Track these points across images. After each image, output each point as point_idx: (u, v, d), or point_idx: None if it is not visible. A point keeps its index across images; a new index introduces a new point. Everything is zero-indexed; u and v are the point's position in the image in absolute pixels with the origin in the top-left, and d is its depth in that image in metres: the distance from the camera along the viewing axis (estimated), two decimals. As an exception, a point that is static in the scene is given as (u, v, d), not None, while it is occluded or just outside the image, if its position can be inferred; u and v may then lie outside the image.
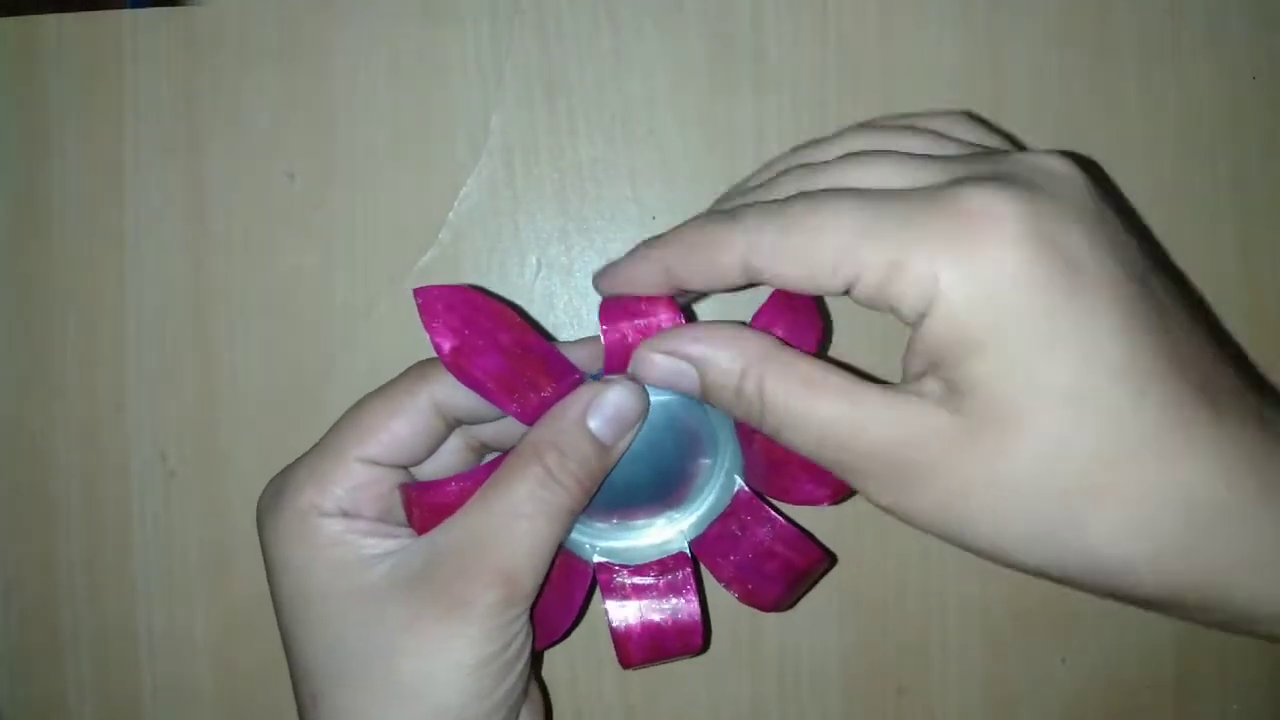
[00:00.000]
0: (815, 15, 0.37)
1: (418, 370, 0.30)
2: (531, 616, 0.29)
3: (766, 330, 0.28)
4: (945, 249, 0.23)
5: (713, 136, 0.37)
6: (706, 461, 0.31)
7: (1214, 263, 0.37)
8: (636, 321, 0.28)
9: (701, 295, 0.32)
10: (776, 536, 0.31)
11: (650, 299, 0.28)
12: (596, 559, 0.31)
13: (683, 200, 0.37)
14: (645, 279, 0.27)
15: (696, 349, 0.27)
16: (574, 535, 0.31)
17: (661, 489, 0.31)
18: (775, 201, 0.25)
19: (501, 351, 0.28)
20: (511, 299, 0.37)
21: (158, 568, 0.37)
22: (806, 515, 0.36)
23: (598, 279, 0.29)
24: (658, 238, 0.27)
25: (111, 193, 0.37)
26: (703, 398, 0.27)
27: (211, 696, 0.38)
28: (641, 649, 0.31)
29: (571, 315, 0.37)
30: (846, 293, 0.25)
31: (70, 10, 0.37)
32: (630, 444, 0.29)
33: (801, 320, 0.28)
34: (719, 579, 0.31)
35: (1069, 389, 0.22)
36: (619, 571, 0.31)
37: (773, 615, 0.37)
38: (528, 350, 0.28)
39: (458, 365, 0.27)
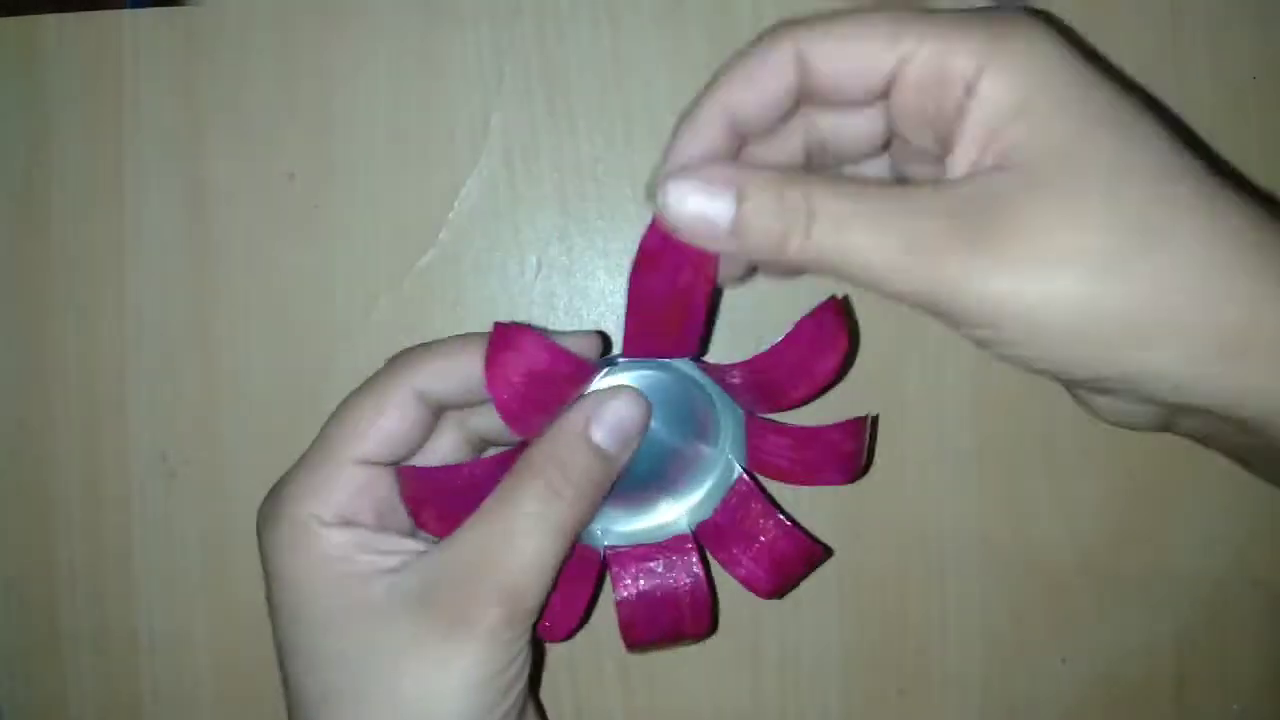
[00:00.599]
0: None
1: (398, 361, 0.29)
2: (534, 633, 0.29)
3: (788, 351, 0.28)
4: (994, 32, 0.23)
5: (713, 136, 0.37)
6: (706, 448, 0.32)
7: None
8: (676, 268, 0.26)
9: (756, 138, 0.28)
10: (774, 528, 0.32)
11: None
12: (607, 544, 0.32)
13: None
14: (706, 131, 0.26)
15: (731, 171, 0.24)
16: None
17: (664, 476, 0.31)
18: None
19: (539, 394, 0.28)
20: (511, 299, 0.37)
21: (158, 568, 0.37)
22: (807, 515, 0.36)
23: (661, 186, 0.25)
24: (697, 101, 0.26)
25: (111, 193, 0.37)
26: (734, 238, 0.24)
27: (211, 696, 0.38)
28: (647, 628, 0.32)
29: (572, 315, 0.37)
30: (884, 96, 0.25)
31: (70, 10, 0.37)
32: (633, 452, 0.29)
33: (823, 340, 0.28)
34: (722, 565, 0.32)
35: (1123, 158, 0.23)
36: (626, 554, 0.32)
37: (773, 615, 0.37)
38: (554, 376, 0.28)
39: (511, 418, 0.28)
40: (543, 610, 0.28)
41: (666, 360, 0.30)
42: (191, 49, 0.37)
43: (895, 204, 0.23)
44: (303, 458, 0.29)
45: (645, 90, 0.37)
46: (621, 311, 0.37)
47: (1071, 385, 0.28)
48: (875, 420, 0.31)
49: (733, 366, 0.29)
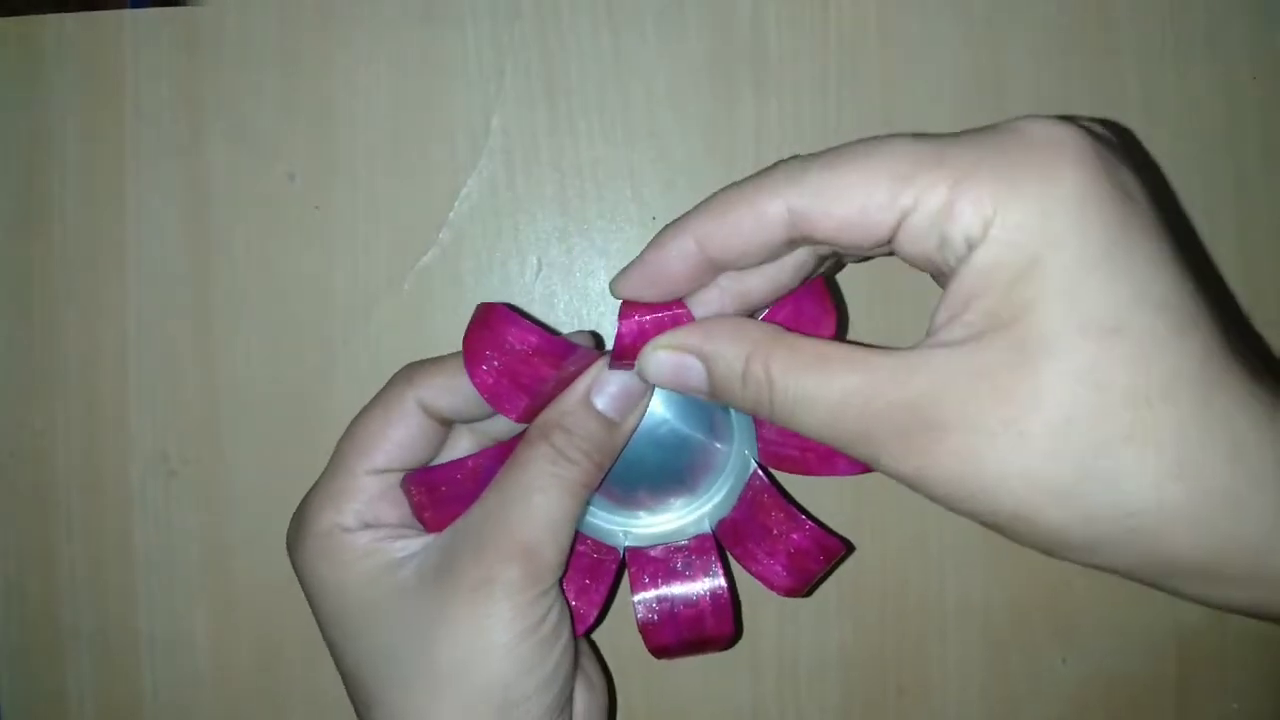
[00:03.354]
0: (815, 16, 0.37)
1: (403, 375, 0.30)
2: (563, 595, 0.29)
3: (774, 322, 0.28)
4: (1010, 172, 0.22)
5: (713, 137, 0.37)
6: (721, 446, 0.32)
7: (1214, 263, 0.38)
8: (651, 316, 0.27)
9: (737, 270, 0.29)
10: (792, 524, 0.31)
11: (666, 304, 0.27)
12: (626, 544, 0.32)
13: (683, 201, 0.37)
14: (674, 263, 0.26)
15: (699, 340, 0.26)
16: (601, 523, 0.31)
17: (680, 474, 0.31)
18: (811, 155, 0.24)
19: (522, 375, 0.28)
20: (512, 299, 0.37)
21: (158, 568, 0.37)
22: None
23: (616, 283, 0.27)
24: (677, 219, 0.26)
25: (111, 193, 0.37)
26: (711, 395, 0.27)
27: (211, 696, 0.38)
28: (669, 629, 0.31)
29: (572, 315, 0.37)
30: (889, 244, 0.24)
31: (70, 10, 0.37)
32: (640, 420, 0.30)
33: (810, 311, 0.28)
34: (741, 563, 0.32)
35: (1110, 321, 0.21)
36: (646, 556, 0.32)
37: (772, 615, 0.37)
38: (544, 355, 0.28)
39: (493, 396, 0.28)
40: (565, 574, 0.29)
41: None
42: (192, 49, 0.37)
43: (852, 393, 0.23)
44: (320, 476, 0.30)
45: (645, 90, 0.37)
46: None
47: None
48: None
49: None
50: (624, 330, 0.27)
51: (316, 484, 0.30)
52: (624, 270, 0.27)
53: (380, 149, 0.37)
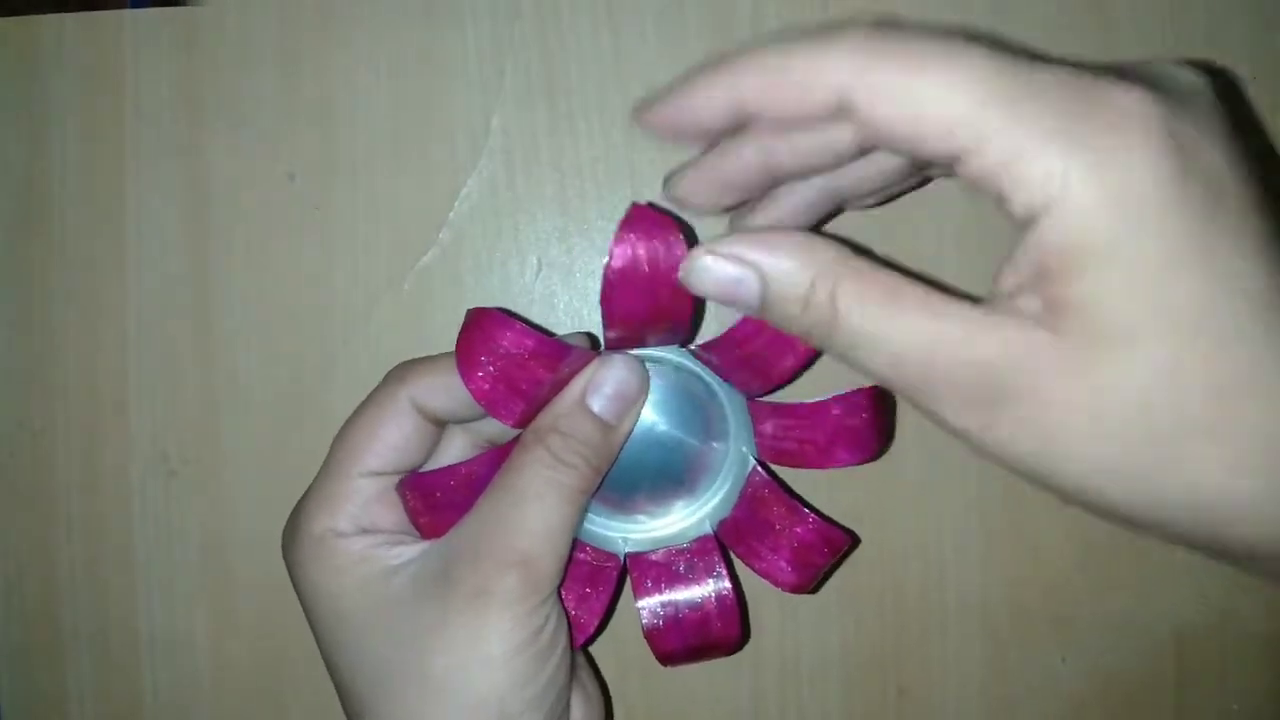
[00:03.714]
0: (815, 16, 0.37)
1: (394, 375, 0.30)
2: (561, 604, 0.29)
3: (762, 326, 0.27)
4: (1083, 142, 0.20)
5: (713, 136, 0.37)
6: (719, 445, 0.31)
7: None
8: (652, 243, 0.25)
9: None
10: (795, 518, 0.31)
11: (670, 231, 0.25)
12: (627, 550, 0.31)
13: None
14: (707, 103, 0.23)
15: (761, 253, 0.23)
16: (599, 530, 0.31)
17: (678, 476, 0.31)
18: (889, 26, 0.22)
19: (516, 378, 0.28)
20: (512, 299, 0.37)
21: (158, 568, 0.37)
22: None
23: (640, 110, 0.24)
24: (723, 61, 0.23)
25: (111, 193, 0.37)
26: (760, 311, 0.24)
27: (211, 696, 0.38)
28: (674, 634, 0.31)
29: (572, 315, 0.37)
30: (938, 166, 0.22)
31: (70, 10, 0.37)
32: (636, 421, 0.29)
33: None
34: (745, 561, 0.31)
35: (1195, 311, 0.20)
36: (648, 561, 0.31)
37: (773, 614, 0.37)
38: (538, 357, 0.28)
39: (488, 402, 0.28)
40: (563, 583, 0.28)
41: (658, 352, 0.30)
42: (192, 49, 0.37)
43: (921, 337, 0.22)
44: (314, 480, 0.30)
45: (645, 90, 0.37)
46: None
47: None
48: (884, 392, 0.30)
49: (711, 345, 0.29)
50: (617, 253, 0.25)
51: (310, 488, 0.30)
52: (654, 101, 0.24)
53: (380, 149, 0.37)
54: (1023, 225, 0.21)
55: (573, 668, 0.30)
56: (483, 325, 0.27)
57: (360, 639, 0.28)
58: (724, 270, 0.24)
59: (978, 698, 0.38)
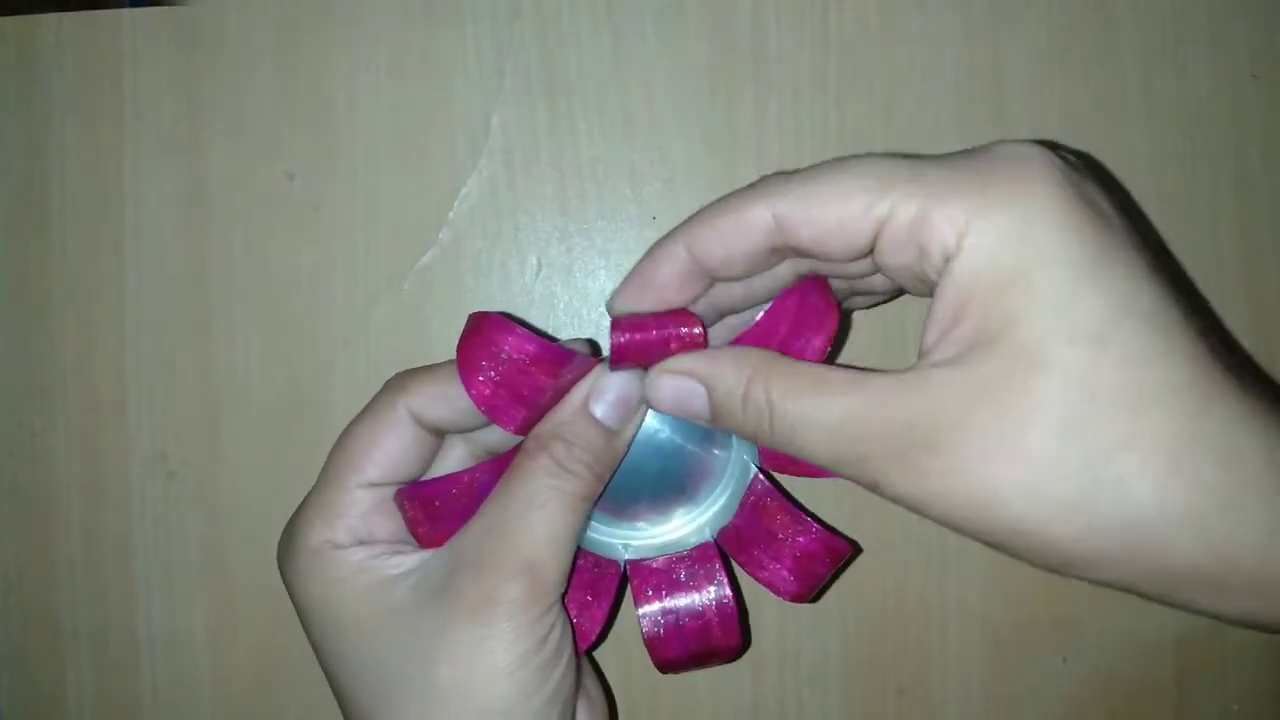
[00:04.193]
0: (815, 16, 0.37)
1: (393, 384, 0.30)
2: (565, 612, 0.28)
3: (775, 328, 0.28)
4: (983, 187, 0.22)
5: (713, 136, 0.37)
6: (720, 452, 0.31)
7: (1214, 263, 0.37)
8: (651, 333, 0.27)
9: (726, 280, 0.29)
10: (797, 527, 0.31)
11: (665, 314, 0.28)
12: (627, 557, 0.31)
13: (683, 200, 0.37)
14: (666, 272, 0.27)
15: (701, 365, 0.27)
16: (600, 537, 0.31)
17: (679, 483, 0.31)
18: (794, 170, 0.25)
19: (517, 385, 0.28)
20: (512, 299, 0.37)
21: (158, 568, 0.37)
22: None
23: (614, 299, 0.28)
24: (668, 233, 0.27)
25: (111, 193, 0.37)
26: (713, 419, 0.27)
27: (211, 696, 0.38)
28: (674, 641, 0.31)
29: (572, 315, 0.37)
30: (869, 257, 0.24)
31: (70, 10, 0.37)
32: (638, 428, 0.29)
33: (815, 303, 0.28)
34: (746, 569, 0.31)
35: (1099, 331, 0.21)
36: (648, 569, 0.31)
37: (773, 614, 0.37)
38: (538, 363, 0.28)
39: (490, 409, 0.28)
40: (566, 591, 0.28)
41: None
42: (191, 49, 0.37)
43: (850, 415, 0.24)
44: (310, 490, 0.30)
45: (645, 90, 0.37)
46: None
47: None
48: None
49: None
50: (617, 334, 0.27)
51: (307, 498, 0.30)
52: (618, 288, 0.28)
53: (380, 149, 0.37)
54: (941, 273, 0.23)
55: (578, 675, 0.29)
56: (484, 330, 0.27)
57: (361, 650, 0.28)
58: (677, 384, 0.27)
59: (978, 698, 0.38)
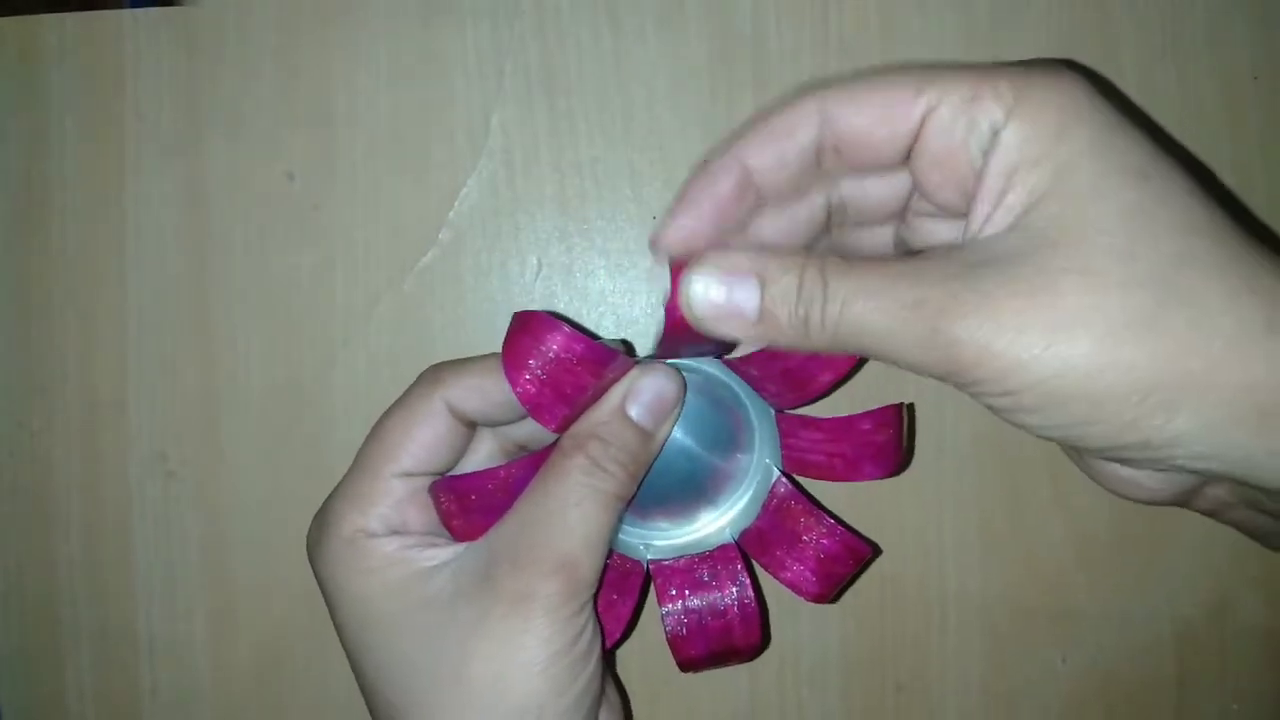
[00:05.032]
0: (816, 16, 0.37)
1: (429, 376, 0.30)
2: (596, 612, 0.29)
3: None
4: (1025, 74, 0.24)
5: (713, 137, 0.37)
6: (743, 456, 0.31)
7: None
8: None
9: (774, 198, 0.28)
10: (820, 529, 0.31)
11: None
12: (650, 557, 0.31)
13: (683, 200, 0.37)
14: (725, 185, 0.26)
15: (748, 260, 0.25)
16: (625, 538, 0.31)
17: (702, 486, 0.31)
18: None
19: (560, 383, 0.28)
20: (512, 299, 0.37)
21: (158, 567, 0.37)
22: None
23: (664, 231, 0.26)
24: (719, 149, 0.26)
25: (111, 193, 0.37)
26: (759, 321, 0.25)
27: (211, 696, 0.38)
28: (697, 640, 0.31)
29: (572, 315, 0.37)
30: (908, 159, 0.25)
31: (70, 10, 0.37)
32: (671, 430, 0.29)
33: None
34: (769, 571, 0.31)
35: (1142, 166, 0.23)
36: (672, 569, 0.31)
37: (773, 612, 0.37)
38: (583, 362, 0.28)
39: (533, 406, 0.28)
40: (599, 591, 0.28)
41: (692, 362, 0.30)
42: (191, 49, 0.37)
43: (905, 273, 0.23)
44: (343, 479, 0.30)
45: (645, 90, 0.37)
46: (622, 311, 0.37)
47: (1089, 454, 0.28)
48: (911, 409, 0.30)
49: (749, 357, 0.29)
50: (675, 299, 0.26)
51: (339, 486, 0.30)
52: (667, 216, 0.26)
53: (380, 148, 0.37)
54: (988, 149, 0.24)
55: (604, 675, 0.29)
56: (532, 328, 0.27)
57: (391, 641, 0.28)
58: (722, 281, 0.25)
59: (977, 695, 0.38)
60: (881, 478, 0.31)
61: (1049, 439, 0.24)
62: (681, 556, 0.31)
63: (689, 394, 0.30)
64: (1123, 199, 0.22)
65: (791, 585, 0.31)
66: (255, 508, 0.37)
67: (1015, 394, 0.22)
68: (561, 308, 0.37)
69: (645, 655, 0.36)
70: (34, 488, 0.37)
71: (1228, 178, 0.37)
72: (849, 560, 0.31)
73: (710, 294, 0.25)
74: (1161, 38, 0.37)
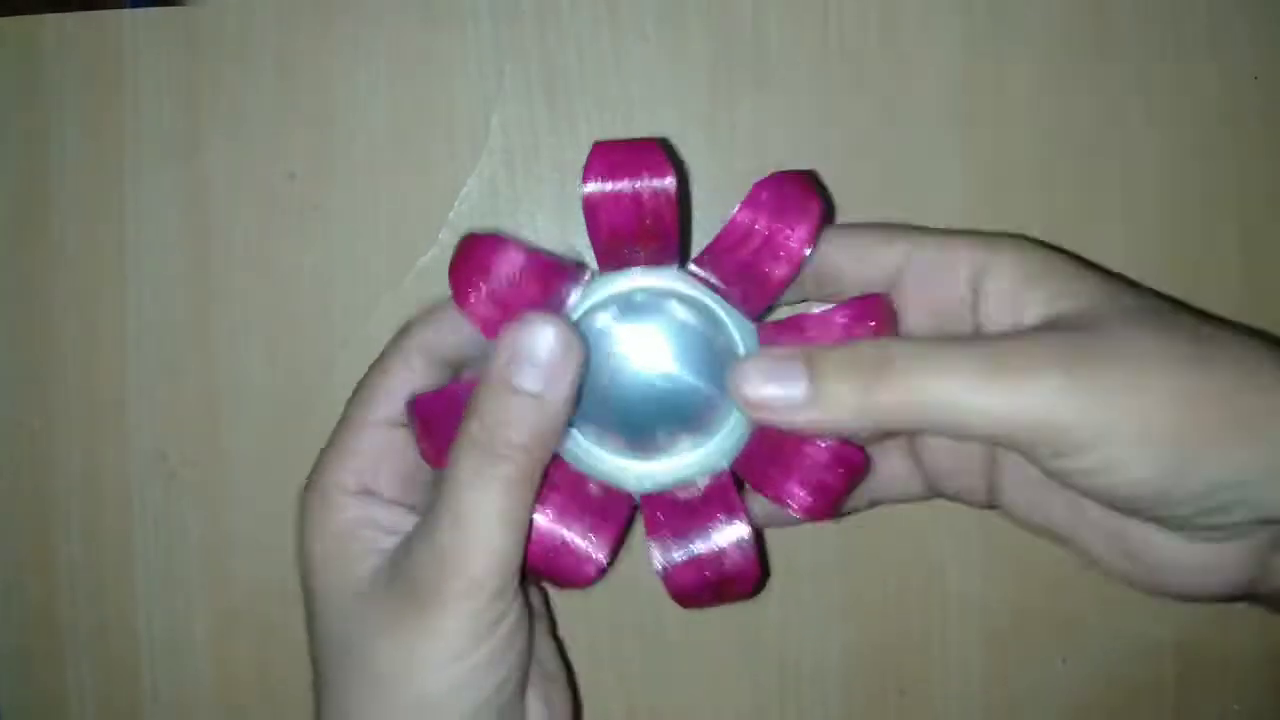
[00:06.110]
0: (816, 16, 0.37)
1: (402, 329, 0.30)
2: (525, 595, 0.28)
3: (751, 221, 0.28)
4: (984, 240, 0.28)
5: (713, 136, 0.37)
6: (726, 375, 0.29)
7: (1214, 263, 0.37)
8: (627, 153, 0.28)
9: None
10: (806, 441, 0.29)
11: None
12: (638, 489, 0.29)
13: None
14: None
15: (796, 348, 0.26)
16: (608, 467, 0.29)
17: (687, 411, 0.29)
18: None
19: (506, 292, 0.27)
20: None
21: (158, 568, 0.37)
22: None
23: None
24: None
25: (111, 193, 0.37)
26: (813, 398, 0.25)
27: (211, 696, 0.38)
28: (690, 572, 0.29)
29: (572, 315, 0.37)
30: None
31: (70, 10, 0.37)
32: (575, 375, 0.26)
33: (790, 206, 0.28)
34: (759, 490, 0.29)
35: (1137, 299, 0.26)
36: (660, 499, 0.29)
37: (774, 614, 0.37)
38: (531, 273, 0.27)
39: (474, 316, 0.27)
40: (522, 571, 0.27)
41: (660, 280, 0.29)
42: (191, 49, 0.37)
43: (972, 339, 0.25)
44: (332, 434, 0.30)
45: (646, 90, 0.37)
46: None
47: (1157, 515, 0.26)
48: (890, 301, 0.29)
49: (704, 259, 0.28)
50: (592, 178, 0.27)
51: (328, 442, 0.30)
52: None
53: (380, 148, 0.37)
54: (969, 309, 0.28)
55: (528, 666, 0.29)
56: (475, 248, 0.27)
57: (326, 616, 0.28)
58: (772, 376, 0.26)
59: (979, 698, 0.38)
60: None
61: (1107, 503, 0.25)
62: (671, 487, 0.30)
63: (667, 316, 0.29)
64: (1123, 295, 0.25)
65: (780, 500, 0.29)
66: (256, 507, 0.37)
67: (1092, 448, 0.23)
68: (561, 308, 0.37)
69: (647, 652, 0.36)
70: (34, 488, 0.37)
71: (1228, 178, 0.37)
72: (840, 470, 0.29)
73: (763, 389, 0.26)
74: (1161, 38, 0.37)
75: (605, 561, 0.28)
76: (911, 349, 0.24)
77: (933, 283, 0.27)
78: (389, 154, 0.37)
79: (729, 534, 0.29)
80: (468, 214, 0.37)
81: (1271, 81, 0.37)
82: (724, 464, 0.30)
